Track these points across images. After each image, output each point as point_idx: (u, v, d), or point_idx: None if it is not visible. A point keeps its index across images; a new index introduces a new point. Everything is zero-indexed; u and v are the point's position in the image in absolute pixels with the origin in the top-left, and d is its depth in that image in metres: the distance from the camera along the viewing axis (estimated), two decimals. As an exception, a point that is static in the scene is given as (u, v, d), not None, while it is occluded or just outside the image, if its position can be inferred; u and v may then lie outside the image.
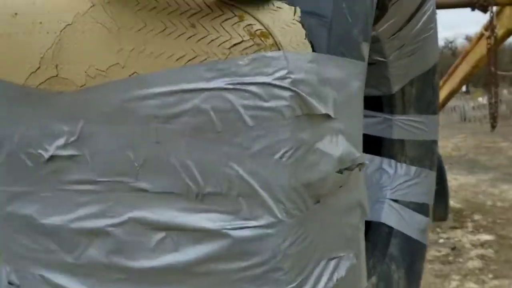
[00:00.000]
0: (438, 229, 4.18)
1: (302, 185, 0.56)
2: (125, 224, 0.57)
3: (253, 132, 0.53)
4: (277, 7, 0.54)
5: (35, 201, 0.62)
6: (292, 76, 0.53)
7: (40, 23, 0.55)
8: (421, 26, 1.30)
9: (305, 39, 0.55)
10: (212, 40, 0.51)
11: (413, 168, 1.49)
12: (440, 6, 3.11)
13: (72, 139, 0.57)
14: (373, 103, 1.45)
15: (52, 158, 0.59)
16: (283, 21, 0.54)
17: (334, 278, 0.63)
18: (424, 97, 1.47)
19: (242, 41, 0.51)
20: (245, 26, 0.51)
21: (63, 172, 0.59)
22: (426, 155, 1.53)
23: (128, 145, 0.55)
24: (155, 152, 0.55)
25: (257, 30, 0.51)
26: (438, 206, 4.43)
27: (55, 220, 0.60)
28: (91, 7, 0.53)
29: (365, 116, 1.47)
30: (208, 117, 0.53)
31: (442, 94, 4.21)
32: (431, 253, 3.58)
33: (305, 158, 0.56)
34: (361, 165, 0.68)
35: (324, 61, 0.58)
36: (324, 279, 0.61)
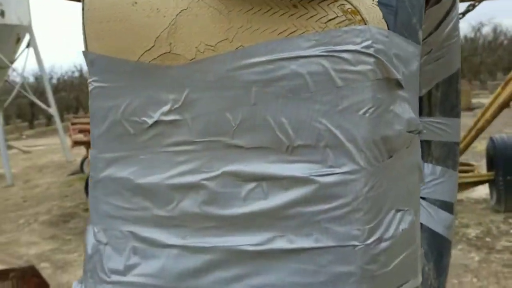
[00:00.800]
0: (510, 220, 4.21)
1: (381, 138, 0.66)
2: (219, 177, 0.65)
3: (341, 91, 0.63)
4: None
5: (133, 164, 0.70)
6: (375, 45, 0.63)
7: (157, 9, 0.65)
8: (447, 33, 1.41)
9: (382, 19, 0.65)
10: (311, 17, 0.61)
11: (438, 168, 1.58)
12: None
13: (176, 106, 0.66)
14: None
15: (154, 124, 0.68)
16: (367, 3, 0.64)
17: (400, 228, 0.71)
18: (448, 100, 1.57)
19: (337, 16, 0.61)
20: (339, 5, 0.61)
21: (163, 136, 0.68)
22: (449, 156, 1.62)
23: (227, 107, 0.65)
24: (252, 112, 0.64)
25: (348, 8, 0.61)
26: (510, 197, 4.44)
27: (151, 179, 0.69)
28: None
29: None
30: (303, 80, 0.62)
31: (509, 88, 4.12)
32: (501, 243, 3.63)
33: (384, 116, 0.66)
34: (420, 132, 0.77)
35: (395, 39, 0.69)
36: (392, 227, 0.70)
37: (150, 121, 0.68)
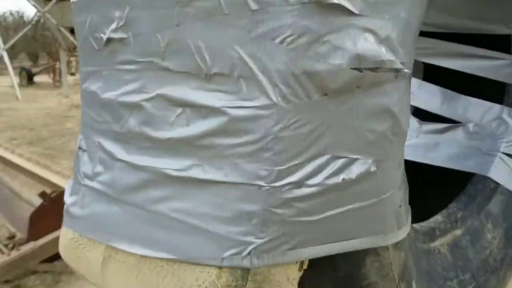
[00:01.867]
0: None
1: (304, 73, 0.57)
2: (153, 99, 0.66)
3: (256, 16, 0.56)
4: None
5: (99, 79, 0.74)
6: None
7: None
8: None
9: None
10: None
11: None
12: None
13: (121, 23, 0.67)
14: (498, 43, 1.27)
15: (108, 40, 0.70)
16: None
17: (340, 177, 0.62)
18: None
19: None
20: None
21: (116, 53, 0.70)
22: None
23: (158, 28, 0.63)
24: (176, 34, 0.62)
25: None
26: None
27: (109, 95, 0.72)
28: None
29: (488, 57, 1.30)
30: (218, 1, 0.57)
31: None
32: None
33: (310, 47, 0.56)
34: (398, 72, 0.63)
35: None
36: (324, 173, 0.62)
37: (104, 38, 0.70)
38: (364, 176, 0.65)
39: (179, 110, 0.63)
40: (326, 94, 0.58)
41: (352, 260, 0.71)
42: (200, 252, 0.63)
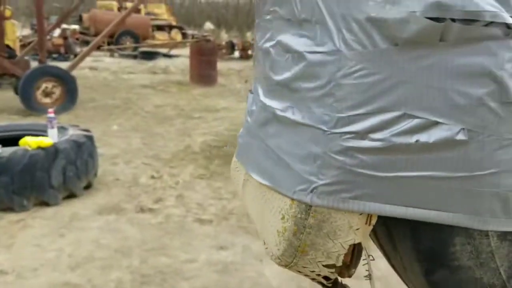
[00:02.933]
0: None
1: (367, 19, 0.57)
2: (275, 46, 0.76)
3: None
4: None
5: (258, 28, 0.88)
6: None
7: None
8: None
9: None
10: None
11: None
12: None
13: None
14: None
15: None
16: None
17: (413, 138, 0.60)
18: None
19: None
20: None
21: (263, 4, 0.82)
22: None
23: None
24: None
25: None
26: None
27: (260, 42, 0.85)
28: None
29: None
30: None
31: None
32: None
33: None
34: (502, 26, 0.56)
35: None
36: (391, 130, 0.60)
37: None
38: (448, 143, 0.60)
39: (287, 55, 0.72)
40: (396, 44, 0.57)
41: (437, 235, 0.67)
42: (284, 183, 0.73)
